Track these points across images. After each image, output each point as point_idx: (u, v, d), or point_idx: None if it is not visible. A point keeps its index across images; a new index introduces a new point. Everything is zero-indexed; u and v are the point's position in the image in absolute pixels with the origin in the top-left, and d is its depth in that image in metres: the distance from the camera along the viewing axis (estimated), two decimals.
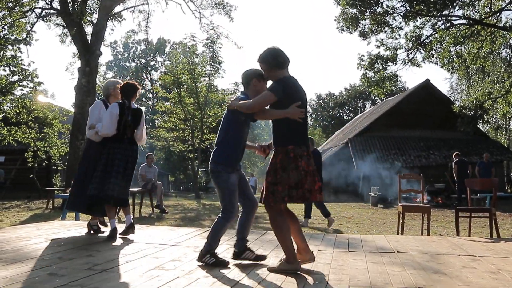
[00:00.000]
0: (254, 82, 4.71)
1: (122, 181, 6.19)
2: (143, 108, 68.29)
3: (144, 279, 3.95)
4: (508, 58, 30.90)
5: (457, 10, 19.45)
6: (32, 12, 19.95)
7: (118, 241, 6.01)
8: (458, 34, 19.47)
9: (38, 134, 21.63)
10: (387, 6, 19.20)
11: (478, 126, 27.67)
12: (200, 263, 4.60)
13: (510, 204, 16.34)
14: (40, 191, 20.31)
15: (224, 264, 4.59)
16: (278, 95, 4.33)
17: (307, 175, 4.30)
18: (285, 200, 4.31)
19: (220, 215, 4.70)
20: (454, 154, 17.69)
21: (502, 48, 26.54)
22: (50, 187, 19.19)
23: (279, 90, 4.35)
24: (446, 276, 4.32)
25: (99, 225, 6.92)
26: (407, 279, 4.20)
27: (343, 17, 19.51)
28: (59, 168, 23.86)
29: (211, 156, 4.80)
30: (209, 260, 4.59)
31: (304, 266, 4.66)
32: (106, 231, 6.69)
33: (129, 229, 6.39)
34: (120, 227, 6.58)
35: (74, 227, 7.45)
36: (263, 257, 4.80)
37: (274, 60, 4.51)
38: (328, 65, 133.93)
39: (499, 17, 20.13)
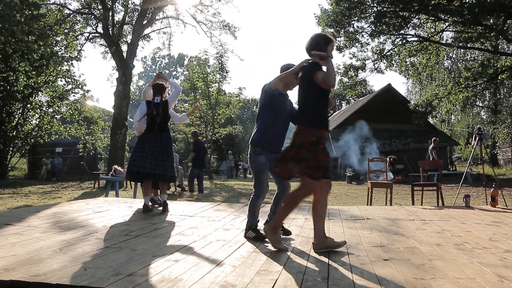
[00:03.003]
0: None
1: (153, 160, 5.93)
2: None
3: (169, 242, 3.94)
4: (449, 67, 30.91)
5: (410, 30, 19.43)
6: (82, 36, 20.12)
7: (149, 213, 6.00)
8: (412, 48, 19.46)
9: (87, 130, 21.67)
10: (357, 26, 19.15)
11: (428, 120, 27.65)
12: (245, 237, 4.25)
13: (452, 180, 16.34)
14: (89, 175, 20.32)
15: (262, 238, 4.09)
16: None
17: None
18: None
19: (252, 194, 4.30)
20: (433, 140, 17.14)
21: (445, 59, 26.59)
22: (96, 171, 19.20)
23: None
24: (404, 236, 4.31)
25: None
26: (374, 239, 4.19)
27: None
28: (102, 156, 23.89)
29: (250, 139, 4.31)
30: (251, 234, 4.21)
31: (293, 230, 4.65)
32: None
33: (164, 205, 6.23)
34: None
35: (115, 202, 7.45)
36: (289, 232, 4.44)
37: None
38: None
39: (441, 36, 20.19)
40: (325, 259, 3.32)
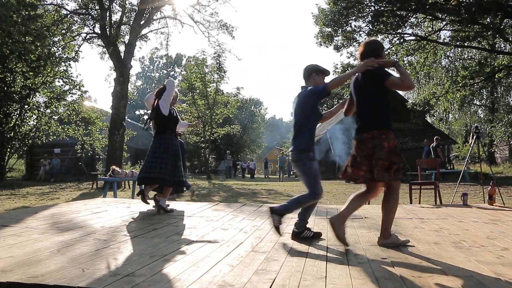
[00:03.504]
0: (313, 76, 4.34)
1: (160, 164, 5.87)
2: None
3: (167, 242, 3.94)
4: (446, 66, 30.96)
5: (408, 29, 19.49)
6: (79, 36, 20.14)
7: (147, 214, 5.99)
8: (409, 48, 19.49)
9: (85, 131, 21.62)
10: (355, 26, 19.19)
11: (426, 118, 27.70)
12: (299, 238, 4.21)
13: (449, 178, 16.37)
14: (87, 175, 20.28)
15: (319, 236, 4.27)
16: None
17: None
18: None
19: (309, 193, 4.14)
20: (435, 138, 17.29)
21: (442, 58, 26.60)
22: (94, 172, 19.17)
23: None
24: (402, 235, 4.31)
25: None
26: (372, 238, 4.19)
27: (321, 34, 19.45)
28: (100, 157, 23.85)
29: (293, 147, 4.26)
30: (308, 234, 4.24)
31: (291, 229, 4.65)
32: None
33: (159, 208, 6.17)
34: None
35: (113, 203, 7.44)
36: (320, 234, 4.35)
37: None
38: None
39: (439, 35, 20.22)
40: (323, 258, 3.32)
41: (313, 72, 4.39)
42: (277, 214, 4.14)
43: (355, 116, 4.04)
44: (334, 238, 3.80)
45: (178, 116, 6.49)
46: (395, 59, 3.73)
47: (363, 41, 4.53)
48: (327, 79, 4.38)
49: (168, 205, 6.52)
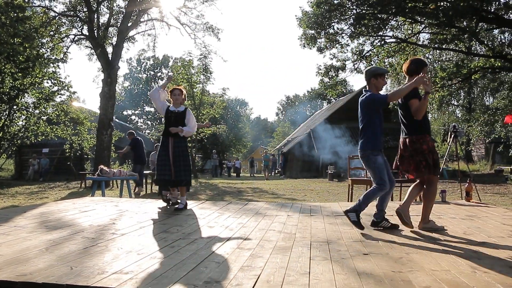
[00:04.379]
0: (372, 81, 4.64)
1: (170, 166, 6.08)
2: (152, 109, 67.59)
3: (154, 240, 3.92)
4: None
5: (388, 32, 19.59)
6: (67, 38, 19.94)
7: (135, 212, 5.95)
8: (390, 49, 19.64)
9: (73, 131, 21.40)
10: (337, 28, 19.23)
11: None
12: (376, 228, 4.56)
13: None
14: (76, 175, 20.11)
15: (396, 227, 4.54)
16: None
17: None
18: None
19: (375, 186, 4.49)
20: None
21: None
22: (83, 171, 19.00)
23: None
24: (383, 231, 4.36)
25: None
26: (354, 235, 4.22)
27: (304, 36, 19.49)
28: (89, 156, 23.64)
29: (359, 146, 4.61)
30: (386, 224, 4.55)
31: (276, 227, 4.67)
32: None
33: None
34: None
35: (101, 201, 7.38)
36: (397, 226, 4.56)
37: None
38: (294, 72, 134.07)
39: (418, 37, 20.43)
40: (307, 255, 3.33)
41: (372, 77, 4.65)
42: (351, 212, 4.48)
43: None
44: (402, 225, 4.50)
45: (188, 117, 6.21)
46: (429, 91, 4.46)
47: (410, 57, 4.99)
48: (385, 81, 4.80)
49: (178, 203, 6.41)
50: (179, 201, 6.36)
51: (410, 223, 4.44)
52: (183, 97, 6.30)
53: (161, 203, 6.75)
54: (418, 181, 4.64)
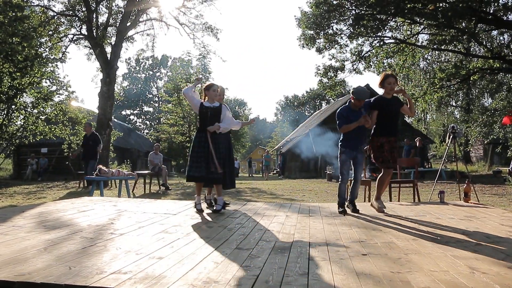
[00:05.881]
0: (352, 98, 5.77)
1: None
2: (151, 109, 67.49)
3: (153, 240, 3.92)
4: (424, 68, 31.31)
5: (387, 32, 19.61)
6: (66, 37, 19.89)
7: (133, 212, 5.94)
8: (389, 50, 19.66)
9: (71, 131, 21.36)
10: (336, 29, 19.27)
11: (404, 118, 28.00)
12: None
13: (427, 176, 16.57)
14: (74, 175, 20.07)
15: (345, 213, 5.77)
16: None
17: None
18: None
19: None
20: (418, 140, 18.21)
21: (420, 61, 26.91)
22: (81, 171, 18.98)
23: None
24: (382, 232, 4.36)
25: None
26: (353, 235, 4.22)
27: (303, 37, 19.51)
28: None
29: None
30: (339, 210, 5.85)
31: (275, 227, 4.67)
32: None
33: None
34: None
35: (100, 201, 7.37)
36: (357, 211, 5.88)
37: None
38: (293, 73, 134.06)
39: (417, 38, 20.46)
40: (306, 255, 3.33)
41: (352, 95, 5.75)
42: (338, 208, 6.00)
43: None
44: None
45: (224, 113, 6.08)
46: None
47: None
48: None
49: (215, 205, 6.14)
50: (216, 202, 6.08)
51: (382, 209, 5.92)
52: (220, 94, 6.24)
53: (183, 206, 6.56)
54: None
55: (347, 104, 5.90)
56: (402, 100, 6.37)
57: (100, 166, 10.93)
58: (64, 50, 19.76)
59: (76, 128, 21.51)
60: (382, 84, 5.83)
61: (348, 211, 5.88)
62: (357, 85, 5.99)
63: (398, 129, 6.11)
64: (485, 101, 32.97)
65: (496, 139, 24.50)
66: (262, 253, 3.41)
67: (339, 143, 5.87)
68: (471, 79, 19.11)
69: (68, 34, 19.97)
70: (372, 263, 3.07)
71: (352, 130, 5.69)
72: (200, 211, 5.95)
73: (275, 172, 37.72)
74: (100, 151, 12.78)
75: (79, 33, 19.86)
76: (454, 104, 34.12)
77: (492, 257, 3.24)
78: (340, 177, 5.87)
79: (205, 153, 5.75)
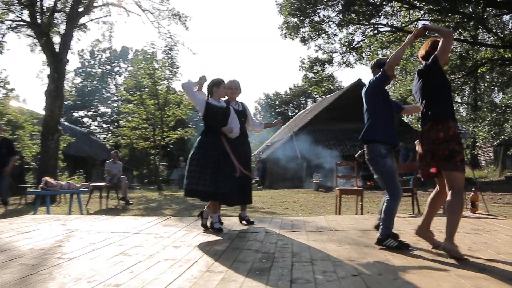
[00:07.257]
0: (376, 71, 4.76)
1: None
2: (108, 110, 66.85)
3: (109, 264, 3.88)
4: None
5: (382, 19, 19.90)
6: (2, 24, 19.42)
7: (87, 231, 5.87)
8: (384, 40, 19.91)
9: (11, 136, 20.99)
10: (324, 15, 19.46)
11: (402, 118, 28.36)
12: (381, 246, 4.41)
13: (428, 184, 16.78)
14: (14, 189, 19.76)
15: (406, 247, 4.35)
16: None
17: None
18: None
19: (388, 198, 4.50)
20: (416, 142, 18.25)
21: None
22: (23, 184, 18.68)
23: None
24: (375, 249, 4.40)
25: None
26: (343, 253, 4.25)
27: (286, 25, 19.66)
28: (31, 167, 23.21)
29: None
30: (392, 243, 4.37)
31: (252, 245, 4.67)
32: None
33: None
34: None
35: (45, 220, 7.26)
36: (407, 245, 4.40)
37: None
38: (274, 67, 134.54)
39: (416, 26, 20.70)
40: (288, 277, 3.34)
41: (376, 68, 4.84)
42: (386, 240, 4.40)
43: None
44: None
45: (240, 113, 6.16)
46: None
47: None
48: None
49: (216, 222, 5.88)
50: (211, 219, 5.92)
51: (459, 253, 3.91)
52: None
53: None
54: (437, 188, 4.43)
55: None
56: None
57: (47, 178, 10.77)
58: (0, 39, 19.35)
59: (17, 133, 21.16)
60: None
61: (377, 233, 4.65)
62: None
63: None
64: (495, 97, 33.57)
65: (508, 139, 24.86)
66: (237, 276, 3.40)
67: (371, 138, 4.77)
68: (479, 71, 19.50)
69: (5, 20, 19.50)
70: (364, 285, 3.09)
71: (389, 116, 4.98)
72: (219, 230, 5.68)
73: (254, 181, 37.76)
74: (14, 164, 11.05)
75: (19, 19, 19.43)
76: (459, 100, 34.66)
77: (503, 276, 3.29)
78: (394, 192, 4.54)
79: (214, 162, 5.60)
